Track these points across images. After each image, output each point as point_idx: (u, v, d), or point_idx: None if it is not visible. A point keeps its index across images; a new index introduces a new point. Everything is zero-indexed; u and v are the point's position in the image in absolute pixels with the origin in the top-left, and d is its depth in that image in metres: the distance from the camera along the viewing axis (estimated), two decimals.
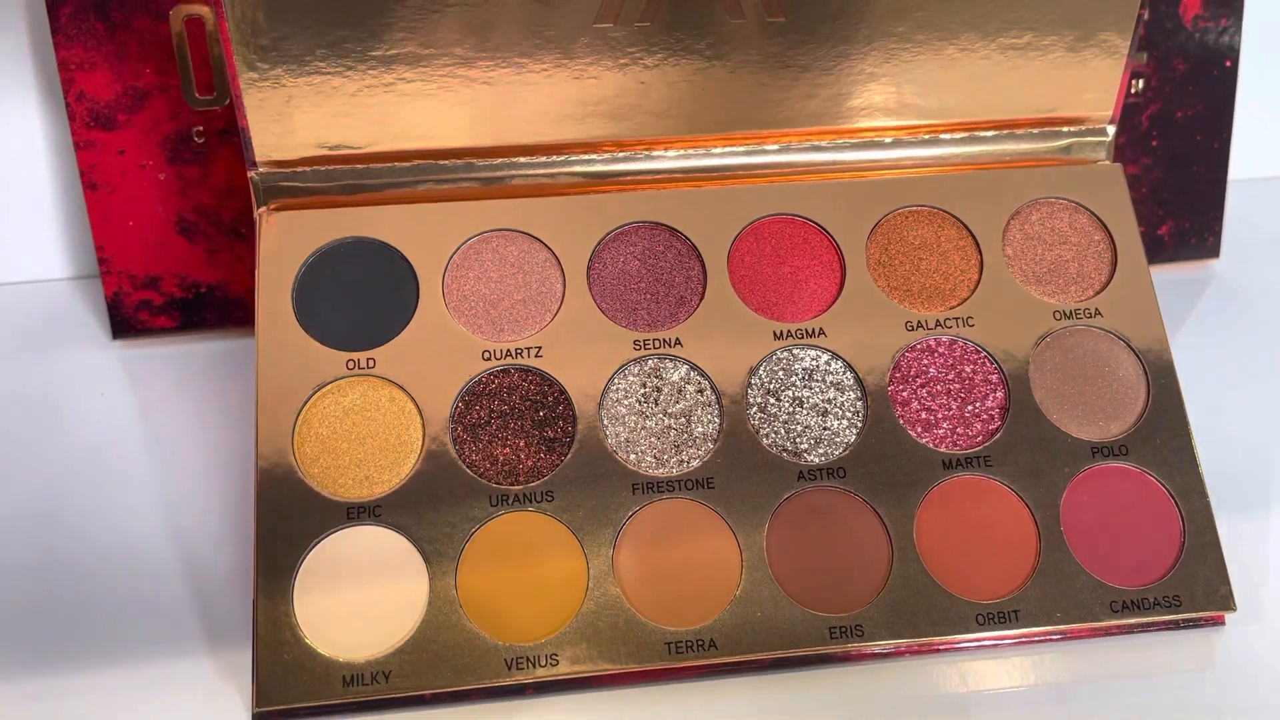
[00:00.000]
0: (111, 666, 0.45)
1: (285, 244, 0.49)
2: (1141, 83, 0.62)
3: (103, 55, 0.54)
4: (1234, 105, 0.63)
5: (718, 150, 0.52)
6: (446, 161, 0.51)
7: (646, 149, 0.51)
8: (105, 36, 0.54)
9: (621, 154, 0.51)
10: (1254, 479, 0.54)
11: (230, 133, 0.56)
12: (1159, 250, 0.64)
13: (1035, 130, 0.53)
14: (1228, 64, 0.62)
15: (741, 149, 0.52)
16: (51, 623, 0.47)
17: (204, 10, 0.54)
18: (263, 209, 0.50)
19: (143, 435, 0.54)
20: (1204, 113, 0.63)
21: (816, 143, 0.52)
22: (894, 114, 0.52)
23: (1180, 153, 0.63)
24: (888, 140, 0.53)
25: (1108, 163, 0.54)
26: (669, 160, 0.52)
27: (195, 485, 0.52)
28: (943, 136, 0.53)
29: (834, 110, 0.52)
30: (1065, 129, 0.53)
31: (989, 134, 0.53)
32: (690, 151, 0.52)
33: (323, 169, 0.50)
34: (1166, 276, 0.63)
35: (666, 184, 0.52)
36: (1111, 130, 0.54)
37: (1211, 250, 0.65)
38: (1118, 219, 0.53)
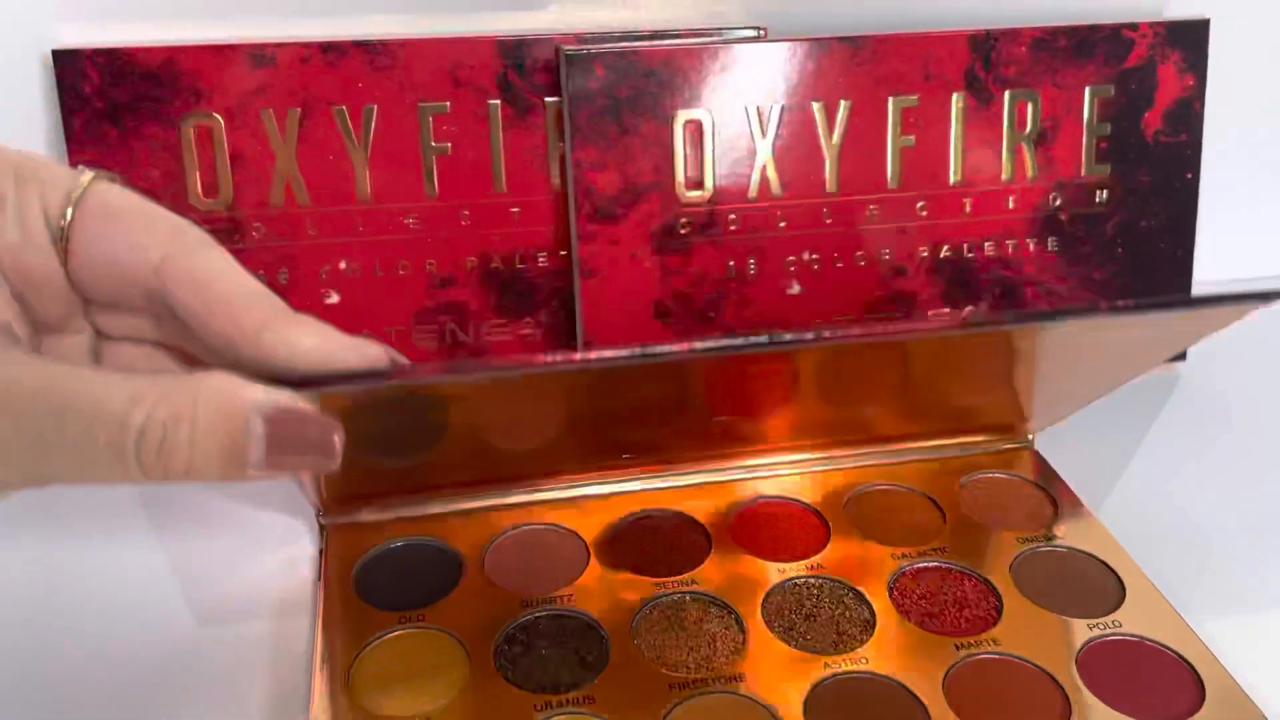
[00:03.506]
0: None
1: (346, 548, 0.57)
2: (1106, 194, 0.66)
3: (115, 160, 0.59)
4: (1196, 216, 0.66)
5: (710, 467, 0.62)
6: (484, 490, 0.61)
7: (653, 471, 0.62)
8: (118, 142, 0.59)
9: (629, 476, 0.62)
10: (1223, 574, 0.56)
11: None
12: None
13: (967, 440, 0.65)
14: (1189, 176, 0.66)
15: (724, 466, 0.63)
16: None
17: (212, 122, 0.60)
18: (328, 528, 0.59)
19: None
20: (1167, 223, 0.66)
21: (794, 455, 0.63)
22: (856, 443, 0.63)
23: (1145, 260, 0.66)
24: (849, 453, 0.64)
25: (1029, 450, 0.65)
26: (670, 479, 0.62)
27: None
28: (891, 448, 0.64)
29: (808, 439, 0.63)
30: (995, 440, 0.65)
31: (932, 443, 0.64)
32: (690, 469, 0.62)
33: (377, 502, 0.60)
34: (1135, 380, 0.64)
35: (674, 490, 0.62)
36: (1032, 437, 0.65)
37: (1178, 355, 0.67)
38: (1048, 481, 0.63)
